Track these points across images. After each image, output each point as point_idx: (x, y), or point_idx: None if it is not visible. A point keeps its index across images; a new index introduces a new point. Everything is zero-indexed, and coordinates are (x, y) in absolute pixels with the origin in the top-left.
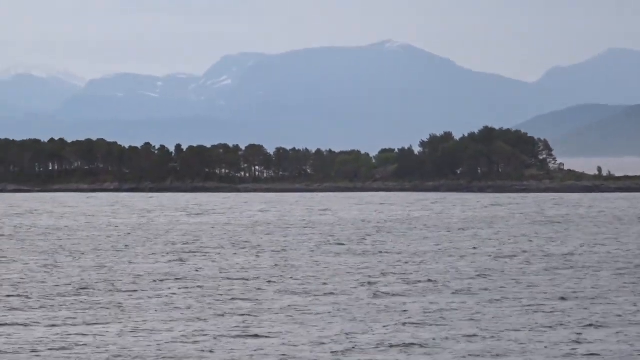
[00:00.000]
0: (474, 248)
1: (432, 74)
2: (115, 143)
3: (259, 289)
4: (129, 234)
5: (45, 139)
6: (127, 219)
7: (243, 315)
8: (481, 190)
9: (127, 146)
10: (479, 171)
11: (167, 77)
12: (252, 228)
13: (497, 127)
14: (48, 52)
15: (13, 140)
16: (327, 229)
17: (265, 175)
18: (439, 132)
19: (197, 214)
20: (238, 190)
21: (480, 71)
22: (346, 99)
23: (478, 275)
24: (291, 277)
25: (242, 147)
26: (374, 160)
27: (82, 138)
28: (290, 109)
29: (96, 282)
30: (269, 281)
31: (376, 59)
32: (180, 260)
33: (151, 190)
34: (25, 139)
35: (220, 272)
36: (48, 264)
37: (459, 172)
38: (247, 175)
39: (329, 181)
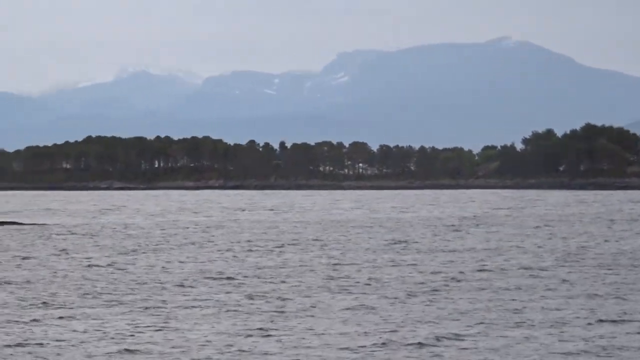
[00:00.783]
0: (539, 247)
1: (550, 70)
2: (221, 140)
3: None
4: (205, 231)
5: (161, 136)
6: (210, 217)
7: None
8: (582, 187)
9: (232, 143)
10: (581, 168)
11: (283, 74)
12: (324, 225)
13: (609, 124)
14: (166, 51)
15: (119, 138)
16: (394, 227)
17: (368, 172)
18: (557, 129)
19: (284, 212)
20: (342, 188)
21: (600, 68)
22: (459, 96)
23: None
24: (342, 276)
25: (359, 144)
26: (476, 158)
27: (199, 136)
28: (403, 106)
29: (146, 281)
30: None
31: (493, 55)
32: (235, 258)
33: (255, 187)
34: (142, 136)
35: (263, 270)
36: (117, 261)
37: (561, 169)
38: (351, 172)
39: (432, 178)
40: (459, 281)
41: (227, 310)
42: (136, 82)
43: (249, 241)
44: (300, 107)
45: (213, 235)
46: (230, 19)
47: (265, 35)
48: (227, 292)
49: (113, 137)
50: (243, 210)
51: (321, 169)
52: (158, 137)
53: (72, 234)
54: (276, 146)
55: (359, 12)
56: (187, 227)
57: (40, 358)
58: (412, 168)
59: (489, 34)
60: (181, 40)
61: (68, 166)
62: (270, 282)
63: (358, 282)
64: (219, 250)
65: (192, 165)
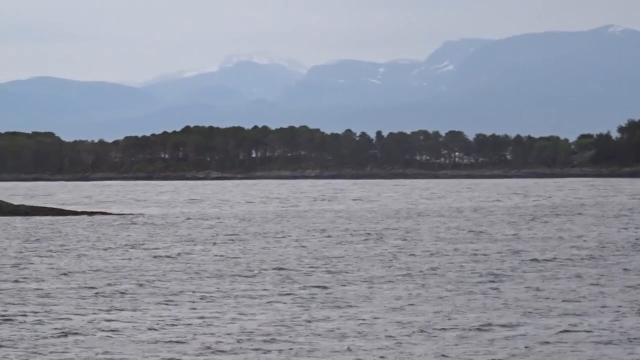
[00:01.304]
0: (608, 236)
1: None
2: (318, 130)
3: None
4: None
5: (271, 126)
6: (296, 207)
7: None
8: None
9: (329, 133)
10: None
11: (388, 63)
12: (403, 214)
13: None
14: (271, 40)
15: (217, 128)
16: (468, 216)
17: (464, 161)
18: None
19: (368, 201)
20: (437, 177)
21: None
22: (560, 84)
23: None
24: (403, 265)
25: (455, 133)
26: (572, 146)
27: (305, 125)
28: (506, 95)
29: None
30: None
31: (598, 43)
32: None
33: (352, 177)
34: (240, 126)
35: (301, 258)
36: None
37: None
38: (447, 161)
39: (527, 167)
40: (518, 270)
41: (284, 299)
42: (241, 72)
43: (322, 230)
44: (405, 96)
45: (290, 226)
46: (336, 8)
47: (370, 24)
48: (288, 282)
49: (211, 127)
50: (326, 200)
51: (417, 157)
52: (256, 126)
53: (153, 224)
54: (373, 135)
55: (465, 0)
56: (267, 217)
57: (93, 347)
58: (508, 157)
59: (593, 22)
60: (287, 29)
61: (166, 156)
62: (334, 272)
63: (421, 271)
64: (293, 240)
65: (289, 154)
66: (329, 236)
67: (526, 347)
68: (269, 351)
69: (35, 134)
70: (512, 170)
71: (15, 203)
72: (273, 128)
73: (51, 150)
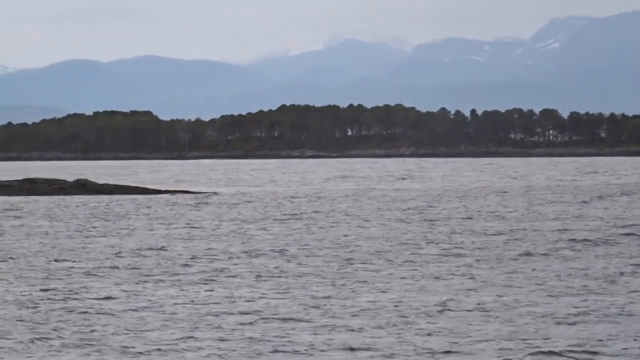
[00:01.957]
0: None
1: None
2: (413, 108)
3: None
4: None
5: (370, 105)
6: (368, 186)
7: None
8: None
9: (424, 111)
10: None
11: (493, 41)
12: (468, 193)
13: None
14: (376, 18)
15: (313, 107)
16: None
17: (558, 139)
18: None
19: (442, 180)
20: (531, 155)
21: None
22: None
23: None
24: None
25: (562, 112)
26: None
27: (407, 104)
28: (611, 74)
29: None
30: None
31: None
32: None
33: (446, 155)
34: (336, 105)
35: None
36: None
37: None
38: (541, 139)
39: (621, 146)
40: (556, 250)
41: (318, 277)
42: (346, 50)
43: (378, 209)
44: (509, 74)
45: (354, 205)
46: None
47: (476, 1)
48: (325, 260)
49: (306, 106)
50: (403, 179)
51: (512, 136)
52: (351, 105)
53: (225, 203)
54: (468, 114)
55: None
56: (336, 196)
57: (123, 325)
58: (602, 135)
59: None
60: (392, 7)
61: (262, 134)
62: (374, 253)
63: (460, 249)
64: (351, 220)
65: (384, 133)
66: (382, 216)
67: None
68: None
69: (133, 112)
70: (605, 148)
71: (100, 182)
72: (376, 106)
73: (149, 129)
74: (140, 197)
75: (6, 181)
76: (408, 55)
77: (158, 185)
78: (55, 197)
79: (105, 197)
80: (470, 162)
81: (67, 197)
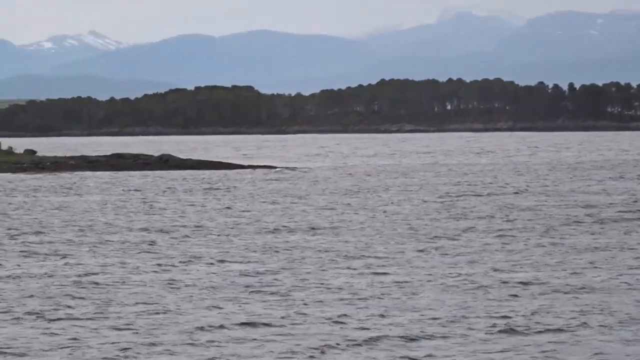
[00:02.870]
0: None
1: None
2: (512, 83)
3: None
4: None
5: (480, 78)
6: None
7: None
8: None
9: (523, 85)
10: None
11: (607, 14)
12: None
13: None
14: None
15: (412, 81)
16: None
17: None
18: None
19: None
20: (628, 129)
21: None
22: None
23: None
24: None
25: None
26: None
27: (516, 79)
28: None
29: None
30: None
31: None
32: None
33: (544, 129)
34: (435, 79)
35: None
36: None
37: None
38: (639, 113)
39: None
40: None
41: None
42: (458, 24)
43: (432, 185)
44: (622, 48)
45: (421, 180)
46: None
47: None
48: (363, 234)
49: (406, 80)
50: (478, 153)
51: (609, 110)
52: (450, 79)
53: (300, 178)
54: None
55: None
56: (403, 171)
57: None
58: None
59: None
60: None
61: (361, 109)
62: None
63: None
64: (403, 194)
65: (482, 107)
66: (440, 191)
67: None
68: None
69: (234, 87)
70: None
71: (183, 157)
72: (474, 80)
73: (249, 103)
74: (219, 172)
75: (95, 157)
76: (520, 29)
77: (246, 160)
78: (137, 172)
79: (184, 172)
80: (564, 135)
81: (149, 172)
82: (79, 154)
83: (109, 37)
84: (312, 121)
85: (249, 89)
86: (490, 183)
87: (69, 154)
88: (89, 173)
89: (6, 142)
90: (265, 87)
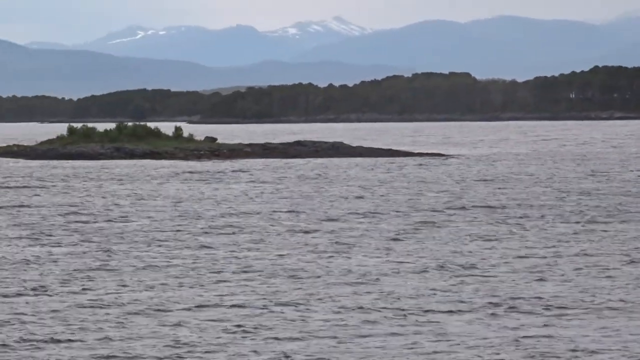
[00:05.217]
0: None
1: None
2: None
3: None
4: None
5: None
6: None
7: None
8: None
9: None
10: None
11: None
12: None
13: None
14: None
15: (625, 68)
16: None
17: None
18: None
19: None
20: None
21: None
22: None
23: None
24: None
25: None
26: None
27: None
28: None
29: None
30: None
31: None
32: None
33: None
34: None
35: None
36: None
37: None
38: None
39: None
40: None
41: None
42: None
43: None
44: None
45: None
46: None
47: None
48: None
49: (619, 67)
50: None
51: None
52: None
53: (458, 164)
54: None
55: None
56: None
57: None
58: None
59: None
60: None
61: (573, 96)
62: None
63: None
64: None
65: None
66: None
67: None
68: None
69: (452, 74)
70: None
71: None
72: None
73: (463, 90)
74: (388, 160)
75: (274, 144)
76: None
77: (426, 148)
78: (302, 160)
79: (345, 160)
80: None
81: (316, 160)
82: (283, 141)
83: (353, 22)
84: (525, 108)
85: (465, 75)
86: None
87: (281, 140)
88: (258, 160)
89: (222, 129)
90: (508, 74)
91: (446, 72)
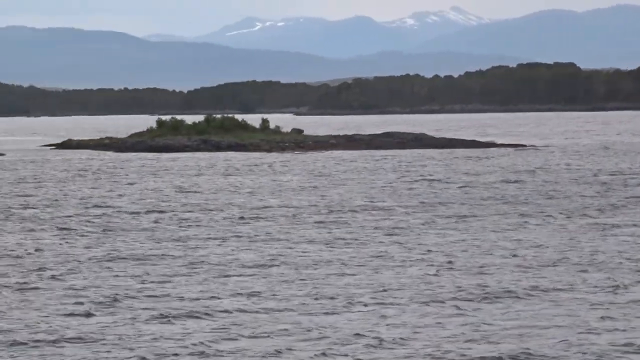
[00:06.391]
0: None
1: None
2: None
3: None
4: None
5: None
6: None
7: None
8: None
9: None
10: None
11: None
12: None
13: None
14: None
15: None
16: None
17: None
18: None
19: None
20: None
21: None
22: None
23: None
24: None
25: None
26: None
27: None
28: None
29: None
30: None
31: None
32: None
33: None
34: None
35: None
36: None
37: None
38: None
39: None
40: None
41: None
42: None
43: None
44: None
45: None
46: None
47: None
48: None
49: None
50: None
51: None
52: None
53: (532, 154)
54: None
55: None
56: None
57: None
58: None
59: None
60: None
61: None
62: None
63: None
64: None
65: None
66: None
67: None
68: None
69: (556, 64)
70: None
71: (437, 136)
72: None
73: (566, 80)
74: (465, 151)
75: (360, 135)
76: None
77: (510, 138)
78: (383, 151)
79: (430, 151)
80: None
81: (401, 151)
82: (373, 132)
83: (471, 12)
84: (629, 98)
85: (570, 65)
86: None
87: (377, 131)
88: (340, 152)
89: (327, 120)
90: (626, 65)
91: (556, 62)
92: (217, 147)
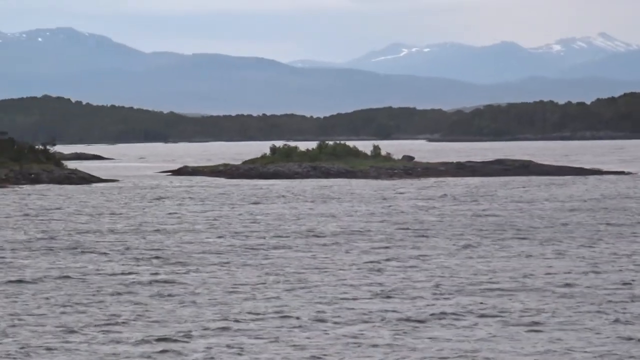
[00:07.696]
0: None
1: None
2: None
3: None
4: None
5: None
6: None
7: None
8: None
9: None
10: None
11: None
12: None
13: None
14: None
15: None
16: None
17: None
18: None
19: None
20: None
21: None
22: None
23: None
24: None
25: None
26: None
27: None
28: None
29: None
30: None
31: None
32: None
33: None
34: None
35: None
36: None
37: None
38: None
39: None
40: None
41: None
42: None
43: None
44: None
45: None
46: None
47: None
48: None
49: None
50: None
51: None
52: None
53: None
54: None
55: None
56: None
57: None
58: None
59: None
60: None
61: None
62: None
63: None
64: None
65: None
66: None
67: None
68: None
69: None
70: None
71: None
72: None
73: None
74: (566, 178)
75: (473, 162)
76: None
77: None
78: (490, 178)
79: (528, 178)
80: None
81: (506, 178)
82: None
83: (619, 38)
84: None
85: None
86: None
87: (506, 158)
88: (449, 179)
89: (456, 147)
90: None
91: None
92: (327, 174)
